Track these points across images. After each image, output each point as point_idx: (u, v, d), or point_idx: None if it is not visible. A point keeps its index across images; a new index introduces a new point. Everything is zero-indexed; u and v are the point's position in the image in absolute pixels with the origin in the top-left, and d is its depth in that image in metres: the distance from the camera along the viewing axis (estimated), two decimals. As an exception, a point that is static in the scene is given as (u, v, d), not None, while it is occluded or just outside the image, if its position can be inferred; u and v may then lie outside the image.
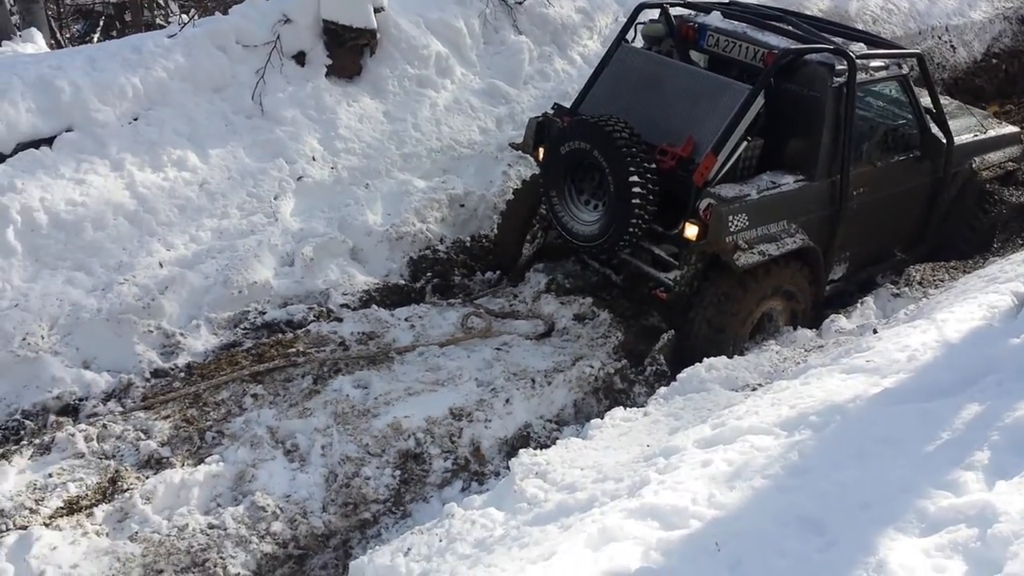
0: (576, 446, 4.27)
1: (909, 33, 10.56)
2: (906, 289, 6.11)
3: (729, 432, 3.78)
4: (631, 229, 5.30)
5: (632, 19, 6.22)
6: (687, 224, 5.20)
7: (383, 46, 7.40)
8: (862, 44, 5.85)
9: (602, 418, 4.54)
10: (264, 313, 5.72)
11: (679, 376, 4.84)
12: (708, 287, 5.37)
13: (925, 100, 6.28)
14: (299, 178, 6.51)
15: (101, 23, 13.63)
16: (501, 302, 6.13)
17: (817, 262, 5.60)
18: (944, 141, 6.22)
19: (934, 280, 6.17)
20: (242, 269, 5.77)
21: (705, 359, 4.92)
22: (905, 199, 6.17)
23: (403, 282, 6.25)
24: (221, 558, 4.08)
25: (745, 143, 5.31)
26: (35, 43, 7.65)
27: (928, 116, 6.15)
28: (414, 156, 7.01)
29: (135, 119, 6.35)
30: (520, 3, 8.33)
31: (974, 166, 6.60)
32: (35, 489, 4.37)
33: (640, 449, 4.13)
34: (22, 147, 5.93)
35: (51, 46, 8.71)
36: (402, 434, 4.76)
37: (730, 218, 5.05)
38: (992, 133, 6.94)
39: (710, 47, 5.98)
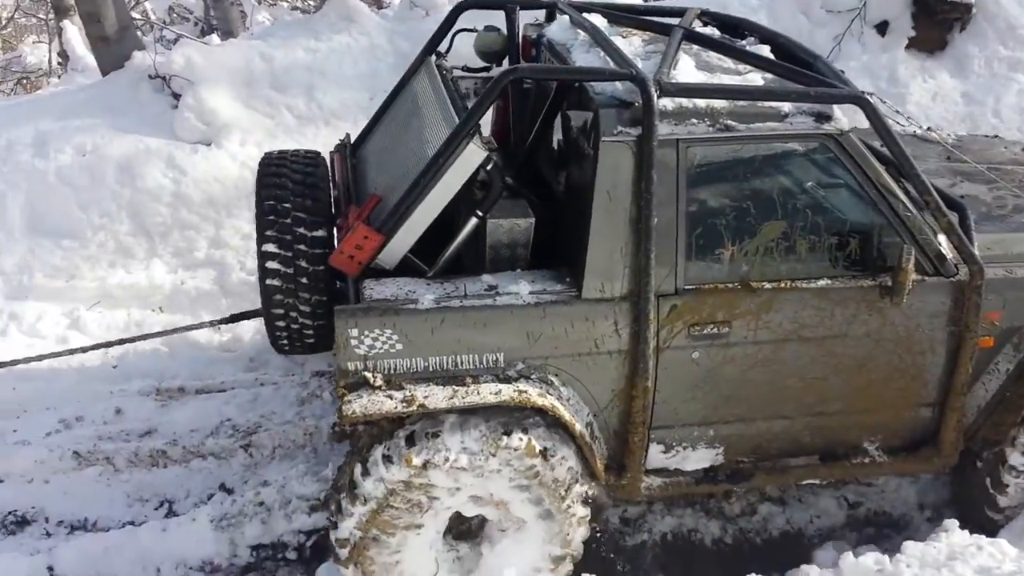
0: None
1: None
2: None
3: None
4: (278, 323, 3.59)
5: (449, 23, 4.23)
6: None
7: (977, 22, 6.90)
8: (757, 75, 3.40)
9: None
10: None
11: None
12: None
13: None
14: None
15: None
16: None
17: (567, 435, 3.30)
18: (947, 256, 3.36)
19: None
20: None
21: None
22: (865, 358, 3.47)
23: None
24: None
25: (474, 220, 3.24)
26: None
27: (920, 209, 3.35)
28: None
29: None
30: None
31: None
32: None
33: None
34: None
35: None
36: None
37: (355, 332, 3.10)
38: None
39: None
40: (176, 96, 6.34)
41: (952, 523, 3.62)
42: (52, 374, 4.67)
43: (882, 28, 6.97)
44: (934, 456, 3.64)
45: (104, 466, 4.18)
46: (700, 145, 3.19)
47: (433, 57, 4.09)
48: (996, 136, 5.23)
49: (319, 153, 3.91)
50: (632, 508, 4.05)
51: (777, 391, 3.46)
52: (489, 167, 3.19)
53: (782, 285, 3.30)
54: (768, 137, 3.22)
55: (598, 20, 3.80)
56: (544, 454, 3.22)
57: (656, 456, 3.50)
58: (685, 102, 3.18)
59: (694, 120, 3.18)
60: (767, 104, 3.22)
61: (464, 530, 3.52)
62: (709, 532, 4.02)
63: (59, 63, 10.16)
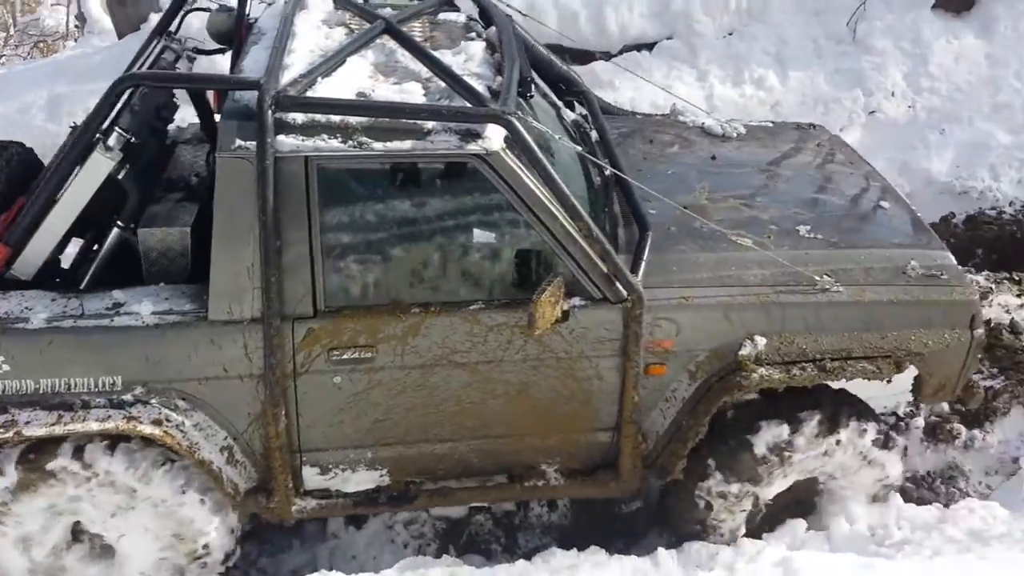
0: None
1: None
2: None
3: None
4: None
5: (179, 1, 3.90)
6: None
7: (1005, -20, 6.73)
8: (417, 85, 3.10)
9: None
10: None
11: None
12: None
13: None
14: (871, 112, 6.39)
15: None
16: None
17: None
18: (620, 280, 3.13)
19: None
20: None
21: None
22: (525, 384, 3.28)
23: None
24: None
25: (116, 231, 3.15)
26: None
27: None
28: (1006, 107, 6.38)
29: (730, 33, 6.72)
30: None
31: (747, 352, 3.24)
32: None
33: None
34: (627, 49, 6.68)
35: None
36: None
37: None
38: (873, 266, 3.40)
39: None
40: (191, 60, 6.36)
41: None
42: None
43: (908, -14, 6.83)
44: (612, 480, 3.47)
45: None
46: (331, 162, 2.94)
47: (162, 39, 3.85)
48: (812, 126, 4.59)
49: (7, 146, 3.59)
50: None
51: (433, 415, 3.28)
52: (121, 176, 3.05)
53: (431, 309, 3.11)
54: (404, 156, 2.95)
55: (321, 4, 3.53)
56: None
57: (313, 478, 3.36)
58: (318, 116, 2.91)
59: (325, 136, 2.90)
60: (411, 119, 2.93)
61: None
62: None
63: (76, 26, 10.22)
